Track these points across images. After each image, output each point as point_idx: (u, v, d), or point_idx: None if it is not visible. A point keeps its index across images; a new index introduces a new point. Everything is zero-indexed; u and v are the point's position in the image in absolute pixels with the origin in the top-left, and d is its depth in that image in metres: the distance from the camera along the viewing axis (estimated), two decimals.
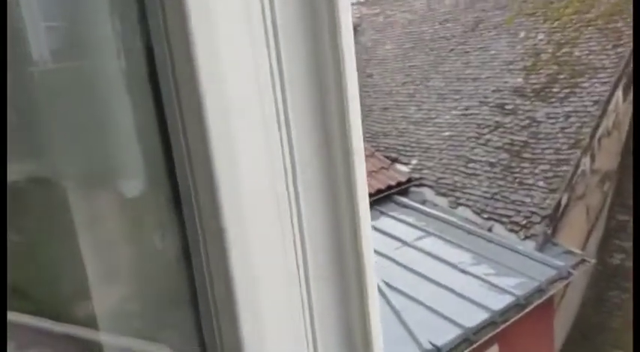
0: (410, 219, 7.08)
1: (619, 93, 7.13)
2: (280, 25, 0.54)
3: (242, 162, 0.53)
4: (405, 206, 7.43)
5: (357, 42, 12.01)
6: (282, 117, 0.55)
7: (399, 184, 7.81)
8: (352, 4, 12.49)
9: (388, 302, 5.34)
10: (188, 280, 0.56)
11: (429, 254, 6.18)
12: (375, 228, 6.70)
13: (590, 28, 7.79)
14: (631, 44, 7.27)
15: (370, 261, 0.60)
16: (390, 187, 7.70)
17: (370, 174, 7.75)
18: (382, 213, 7.17)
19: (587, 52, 7.56)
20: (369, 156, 8.11)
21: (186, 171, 0.54)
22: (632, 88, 7.23)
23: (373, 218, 6.99)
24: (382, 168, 8.04)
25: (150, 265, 0.61)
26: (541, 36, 8.27)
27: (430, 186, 8.02)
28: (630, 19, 7.47)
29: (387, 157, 8.60)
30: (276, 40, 0.54)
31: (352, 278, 0.60)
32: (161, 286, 0.61)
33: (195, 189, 0.54)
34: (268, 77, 0.54)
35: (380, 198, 7.41)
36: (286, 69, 0.55)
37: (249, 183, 0.54)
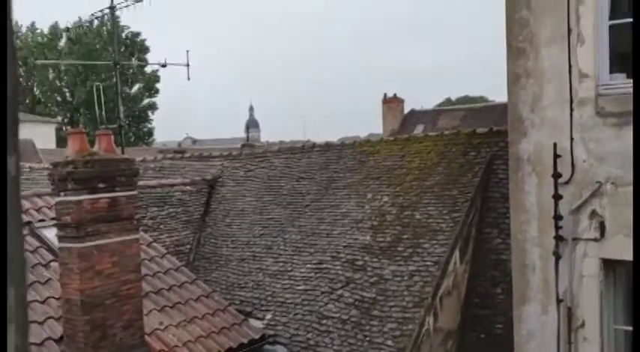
0: None
1: (456, 254, 7.74)
2: None
3: None
4: None
5: (217, 193, 12.13)
6: None
7: (252, 342, 7.51)
8: (214, 157, 12.79)
9: None
10: None
11: None
12: None
13: (428, 194, 8.60)
14: (464, 210, 8.08)
15: None
16: (242, 345, 7.37)
17: (222, 331, 7.40)
18: None
19: (426, 215, 8.26)
20: (221, 311, 7.80)
21: None
22: (467, 250, 7.91)
23: None
24: (235, 324, 7.72)
25: None
26: (386, 198, 8.95)
27: (284, 344, 7.81)
28: (463, 188, 8.38)
29: (241, 312, 8.32)
30: None
31: None
32: None
33: None
34: None
35: None
36: None
37: None
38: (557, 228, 5.50)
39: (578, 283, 5.51)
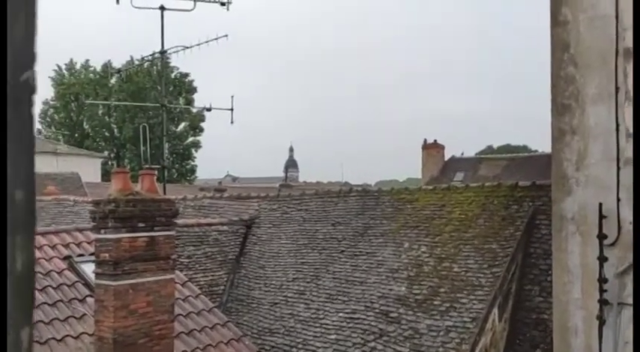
0: None
1: (495, 311, 7.49)
2: None
3: None
4: None
5: (253, 234, 12.18)
6: None
7: None
8: (252, 197, 12.89)
9: None
10: None
11: None
12: None
13: (467, 246, 8.41)
14: (505, 265, 7.85)
15: None
16: None
17: None
18: None
19: (465, 269, 8.06)
20: None
21: None
22: (506, 307, 7.64)
23: None
24: None
25: None
26: (423, 248, 8.79)
27: None
28: (504, 242, 8.17)
29: None
30: None
31: None
32: None
33: None
34: None
35: None
36: None
37: None
38: (602, 291, 5.27)
39: (622, 350, 5.24)
